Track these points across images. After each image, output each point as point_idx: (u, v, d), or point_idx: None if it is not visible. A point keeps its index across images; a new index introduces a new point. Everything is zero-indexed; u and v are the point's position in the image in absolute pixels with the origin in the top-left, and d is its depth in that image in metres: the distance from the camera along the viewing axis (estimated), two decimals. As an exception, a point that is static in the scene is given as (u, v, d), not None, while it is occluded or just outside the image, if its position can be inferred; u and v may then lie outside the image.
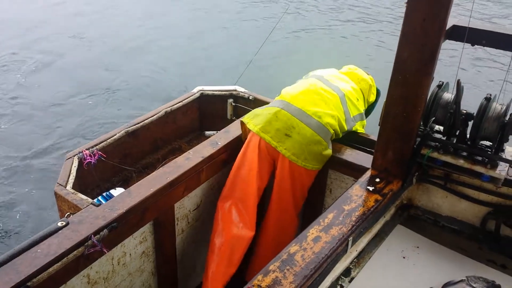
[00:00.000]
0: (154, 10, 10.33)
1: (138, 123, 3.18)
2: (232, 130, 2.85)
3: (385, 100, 2.22)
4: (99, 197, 2.78)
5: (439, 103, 2.25)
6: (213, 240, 2.61)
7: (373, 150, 2.39)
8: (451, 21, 2.11)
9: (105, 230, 2.04)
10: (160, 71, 7.68)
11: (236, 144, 2.73)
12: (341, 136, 2.71)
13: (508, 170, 2.18)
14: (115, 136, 3.01)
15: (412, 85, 2.08)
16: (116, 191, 2.81)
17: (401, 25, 2.01)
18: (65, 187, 2.56)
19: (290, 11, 10.22)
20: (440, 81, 2.31)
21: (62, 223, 2.01)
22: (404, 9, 1.98)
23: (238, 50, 8.08)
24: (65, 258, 1.88)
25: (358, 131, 2.83)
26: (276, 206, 2.70)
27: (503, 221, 2.30)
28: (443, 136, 2.29)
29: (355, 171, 2.49)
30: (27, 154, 5.48)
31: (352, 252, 2.17)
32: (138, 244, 2.37)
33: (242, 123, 2.71)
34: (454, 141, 2.26)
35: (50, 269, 1.83)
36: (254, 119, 2.64)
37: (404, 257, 2.24)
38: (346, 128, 2.69)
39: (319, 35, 9.30)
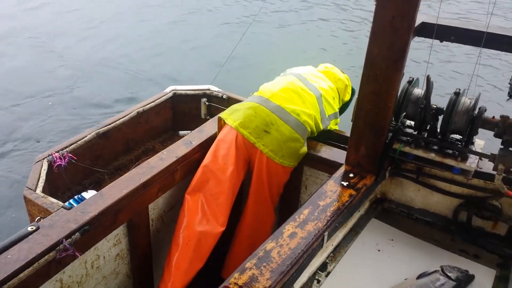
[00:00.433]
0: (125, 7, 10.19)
1: (110, 124, 3.12)
2: (206, 129, 2.83)
3: (357, 96, 2.25)
4: (71, 200, 2.71)
5: (409, 98, 2.29)
6: (177, 233, 2.55)
7: (346, 146, 2.42)
8: (420, 18, 2.15)
9: (77, 234, 1.99)
10: (131, 70, 7.58)
11: (210, 144, 2.71)
12: (316, 134, 2.73)
13: (478, 162, 2.24)
14: (85, 138, 2.95)
15: (383, 82, 2.11)
16: (88, 194, 2.75)
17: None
18: (35, 191, 2.49)
19: (265, 9, 10.23)
20: (410, 77, 2.35)
21: (32, 228, 1.96)
22: (374, 7, 2.01)
23: (213, 51, 8.04)
24: (36, 263, 1.84)
25: (332, 129, 2.85)
26: (253, 202, 2.69)
27: (475, 212, 2.36)
28: (414, 131, 2.33)
29: (330, 167, 2.51)
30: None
31: (328, 247, 2.18)
32: (112, 247, 2.33)
33: (220, 119, 2.69)
34: (425, 135, 2.30)
35: (21, 275, 1.78)
36: (232, 115, 2.62)
37: (379, 250, 2.26)
38: (321, 127, 2.72)
39: (294, 33, 9.35)
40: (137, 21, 9.48)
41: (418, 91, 2.31)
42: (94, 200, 2.17)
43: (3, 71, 7.32)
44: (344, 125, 2.96)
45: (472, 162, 2.20)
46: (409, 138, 2.32)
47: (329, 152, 2.65)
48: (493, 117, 2.14)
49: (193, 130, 2.86)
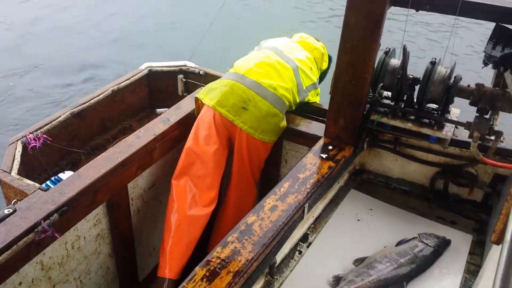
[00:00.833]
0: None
1: (84, 103, 3.05)
2: (184, 106, 2.79)
3: (334, 68, 2.24)
4: (48, 182, 2.67)
5: (386, 69, 2.30)
6: (168, 218, 2.56)
7: (325, 119, 2.42)
8: None
9: (56, 215, 1.96)
10: (105, 48, 7.41)
11: (188, 120, 2.69)
12: (294, 108, 2.72)
13: (454, 130, 2.27)
14: (60, 118, 2.88)
15: (360, 52, 2.11)
16: (65, 175, 2.71)
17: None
18: (10, 173, 2.43)
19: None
20: (387, 48, 2.35)
21: (9, 210, 1.92)
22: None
23: (188, 28, 7.89)
24: (15, 246, 1.81)
25: (311, 101, 2.85)
26: (236, 180, 2.69)
27: (451, 180, 2.41)
28: (392, 102, 2.35)
29: (309, 140, 2.52)
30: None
31: (309, 219, 2.21)
32: (92, 227, 2.31)
33: (197, 100, 2.66)
34: (402, 106, 2.31)
35: (0, 258, 1.75)
36: (209, 94, 2.59)
37: (358, 220, 2.30)
38: (298, 100, 2.70)
39: (268, 4, 9.22)
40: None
41: (395, 61, 2.32)
42: (71, 181, 2.13)
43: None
44: (322, 98, 2.96)
45: (448, 131, 2.24)
46: (386, 109, 2.33)
47: (308, 126, 2.65)
48: (469, 85, 2.16)
49: (170, 107, 2.82)
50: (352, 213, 2.33)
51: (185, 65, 3.53)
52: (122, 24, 8.32)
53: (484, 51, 1.98)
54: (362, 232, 2.23)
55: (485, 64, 1.95)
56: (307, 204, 1.99)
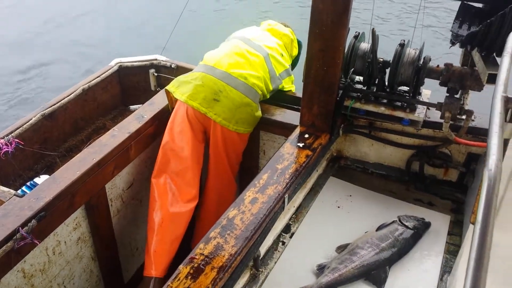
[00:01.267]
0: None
1: (55, 104, 2.97)
2: (157, 102, 2.76)
3: (306, 56, 2.24)
4: (23, 188, 2.61)
5: (357, 53, 2.30)
6: (151, 217, 2.54)
7: (300, 107, 2.42)
8: None
9: (33, 221, 1.93)
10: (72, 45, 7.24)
11: (163, 116, 2.66)
12: (268, 96, 2.71)
13: (426, 112, 2.30)
14: (31, 121, 2.80)
15: (330, 38, 2.11)
16: (41, 179, 2.66)
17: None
18: (-17, 181, 2.38)
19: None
20: (356, 32, 2.35)
21: (-16, 220, 1.88)
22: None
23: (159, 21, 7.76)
24: None
25: (287, 89, 2.84)
26: (214, 173, 2.68)
27: (426, 161, 2.45)
28: (364, 86, 2.36)
29: (286, 129, 2.52)
30: None
31: (290, 209, 2.22)
32: (72, 231, 2.28)
33: (168, 92, 2.63)
34: (374, 90, 2.33)
35: None
36: (180, 88, 2.56)
37: (339, 207, 2.33)
38: (271, 87, 2.69)
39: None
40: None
41: (365, 45, 2.33)
42: (47, 185, 2.09)
43: None
44: (296, 86, 2.96)
45: (420, 113, 2.27)
46: (359, 93, 2.35)
47: (283, 115, 2.65)
48: (438, 66, 2.19)
49: (143, 103, 2.78)
50: (332, 201, 2.35)
51: (156, 59, 3.47)
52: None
53: (451, 30, 2.00)
54: (343, 218, 2.25)
55: (453, 43, 1.97)
56: (287, 195, 2.00)
